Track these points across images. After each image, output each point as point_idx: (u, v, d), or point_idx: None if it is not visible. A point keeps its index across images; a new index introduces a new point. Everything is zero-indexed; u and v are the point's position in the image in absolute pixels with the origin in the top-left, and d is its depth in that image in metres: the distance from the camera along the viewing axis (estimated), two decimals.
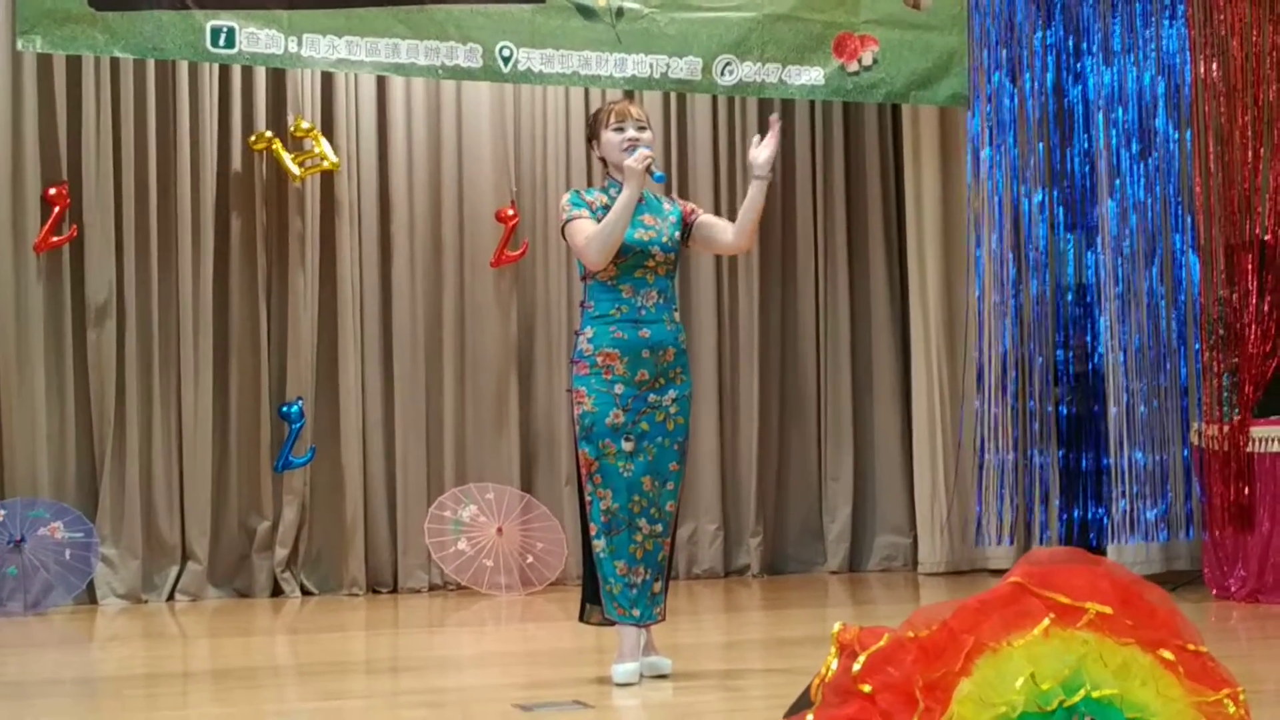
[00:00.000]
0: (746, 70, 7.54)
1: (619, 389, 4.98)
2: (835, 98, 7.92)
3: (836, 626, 2.90)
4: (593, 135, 5.23)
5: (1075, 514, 8.06)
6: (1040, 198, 7.95)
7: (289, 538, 8.03)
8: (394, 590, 8.18)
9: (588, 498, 5.04)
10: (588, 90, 8.47)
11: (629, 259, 5.03)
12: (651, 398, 5.01)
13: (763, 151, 5.14)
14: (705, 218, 5.29)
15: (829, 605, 7.77)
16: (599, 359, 4.99)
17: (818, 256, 9.03)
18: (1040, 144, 7.94)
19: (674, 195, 5.33)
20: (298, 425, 7.95)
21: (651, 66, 7.41)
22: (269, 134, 7.99)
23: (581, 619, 5.27)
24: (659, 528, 5.04)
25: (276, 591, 8.02)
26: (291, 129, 8.02)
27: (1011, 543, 8.06)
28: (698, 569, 8.66)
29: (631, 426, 4.98)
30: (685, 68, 7.44)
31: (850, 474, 8.95)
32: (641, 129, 5.14)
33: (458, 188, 8.44)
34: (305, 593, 8.06)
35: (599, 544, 5.00)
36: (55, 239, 7.67)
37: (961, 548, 8.57)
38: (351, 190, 8.23)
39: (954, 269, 8.61)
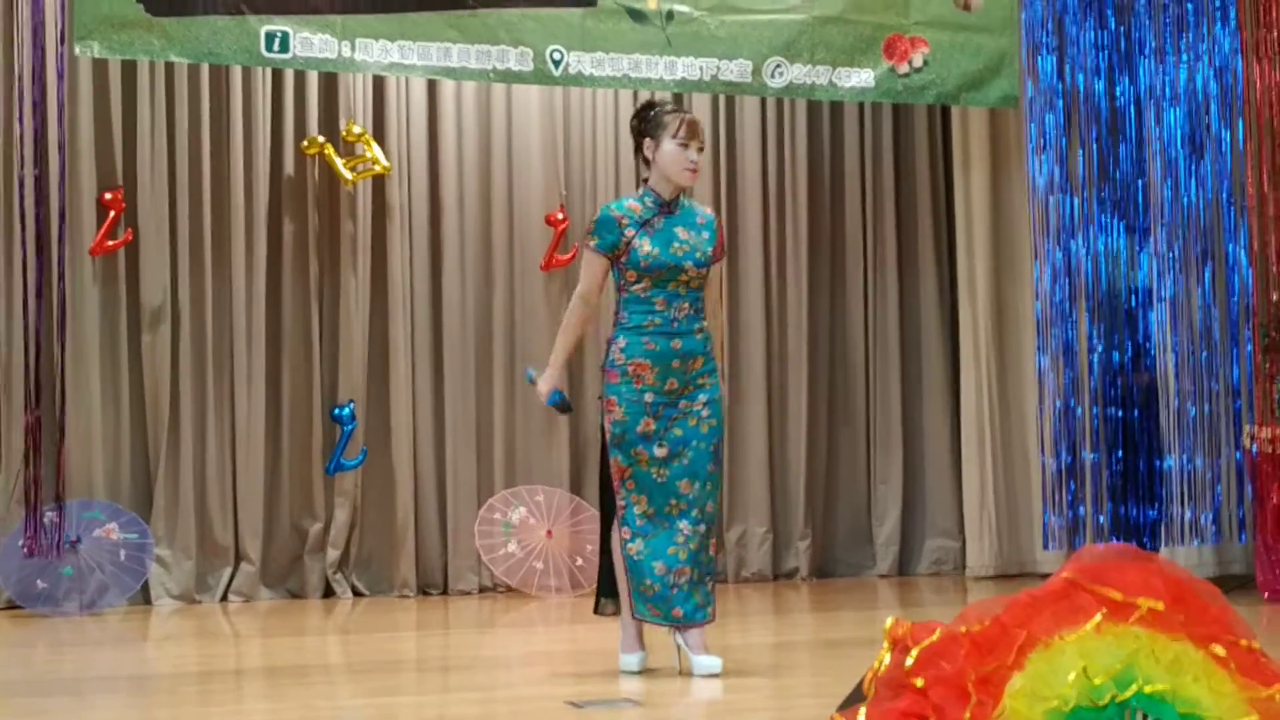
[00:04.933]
0: (796, 72, 7.55)
1: (649, 397, 5.06)
2: (885, 99, 7.93)
3: (889, 621, 2.91)
4: (647, 133, 5.15)
5: (1129, 515, 8.02)
6: (1092, 199, 7.92)
7: (341, 539, 8.08)
8: (444, 592, 8.22)
9: (621, 502, 5.11)
10: (636, 93, 8.49)
11: (664, 274, 5.09)
12: (682, 404, 5.09)
13: None
14: (715, 270, 5.27)
15: (878, 608, 7.76)
16: (630, 368, 5.07)
17: (866, 259, 9.02)
18: (1093, 145, 7.92)
19: (710, 209, 5.37)
20: (349, 427, 8.01)
21: (701, 69, 7.43)
22: (321, 139, 8.05)
23: (596, 610, 5.44)
24: (702, 528, 5.10)
25: (328, 593, 8.07)
26: (343, 133, 8.08)
27: (1068, 547, 8.02)
28: (746, 572, 8.66)
29: (665, 433, 5.07)
30: (735, 70, 7.47)
31: (899, 477, 8.94)
32: (701, 150, 5.17)
33: (508, 191, 8.49)
34: (356, 594, 8.10)
35: (635, 546, 5.06)
36: (111, 243, 7.75)
37: (1011, 551, 8.55)
38: (402, 194, 8.28)
39: (1004, 271, 8.59)
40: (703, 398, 5.13)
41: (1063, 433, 7.94)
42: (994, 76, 7.85)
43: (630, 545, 5.08)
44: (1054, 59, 7.96)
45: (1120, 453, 7.98)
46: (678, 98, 8.58)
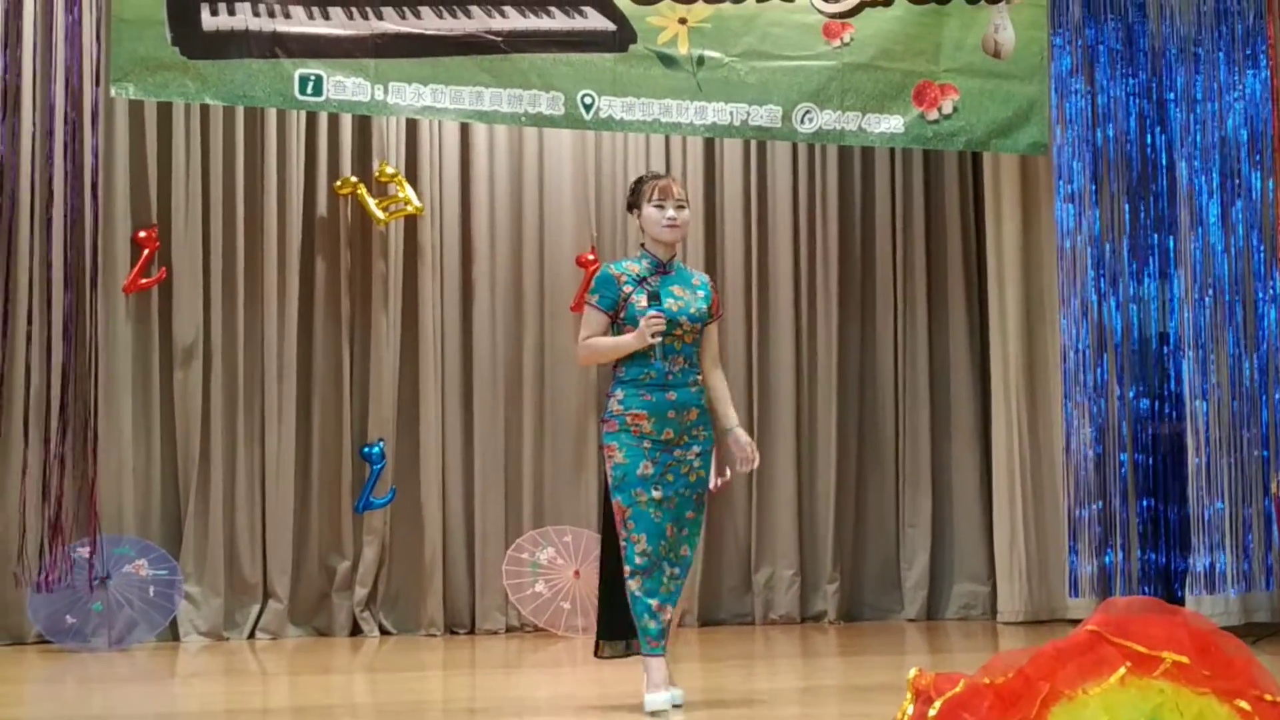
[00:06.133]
0: (826, 118, 7.57)
1: (646, 445, 5.35)
2: (915, 145, 7.94)
3: (912, 672, 2.92)
4: (633, 205, 5.58)
5: (1158, 563, 7.99)
6: (1122, 245, 7.93)
7: (369, 577, 8.11)
8: (471, 631, 8.23)
9: (622, 543, 5.37)
10: (667, 137, 8.55)
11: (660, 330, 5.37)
12: (677, 453, 5.38)
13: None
14: (712, 328, 5.59)
15: (906, 653, 7.73)
16: (628, 418, 5.37)
17: (897, 302, 9.03)
18: (1123, 191, 7.93)
19: (705, 274, 5.74)
20: (379, 466, 8.04)
21: (732, 114, 7.46)
22: (354, 179, 8.12)
23: (596, 654, 5.64)
24: (677, 570, 5.39)
25: (355, 631, 8.09)
26: (376, 174, 8.14)
27: (1098, 594, 7.98)
28: (774, 614, 8.64)
29: (659, 478, 5.35)
30: (765, 115, 7.49)
31: (928, 520, 8.92)
32: (680, 207, 5.50)
33: (539, 232, 8.54)
34: (384, 632, 8.12)
35: (633, 584, 5.32)
36: (144, 281, 7.82)
37: (1041, 596, 8.50)
38: (434, 234, 8.34)
39: (1035, 314, 8.58)
40: (696, 449, 5.42)
41: (1091, 479, 7.91)
42: (1024, 123, 7.86)
43: (630, 583, 5.33)
44: (1084, 105, 7.97)
45: (1149, 500, 7.95)
46: (708, 143, 8.66)
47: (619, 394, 5.39)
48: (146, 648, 7.55)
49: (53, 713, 5.93)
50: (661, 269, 5.49)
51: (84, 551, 7.32)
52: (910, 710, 2.88)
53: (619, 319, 5.45)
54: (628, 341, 5.37)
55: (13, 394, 7.33)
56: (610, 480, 5.39)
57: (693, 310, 5.44)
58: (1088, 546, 7.89)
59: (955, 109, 7.74)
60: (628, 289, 5.42)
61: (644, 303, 5.37)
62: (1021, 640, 7.95)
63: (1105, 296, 7.95)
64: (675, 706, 5.38)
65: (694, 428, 5.41)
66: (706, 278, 5.67)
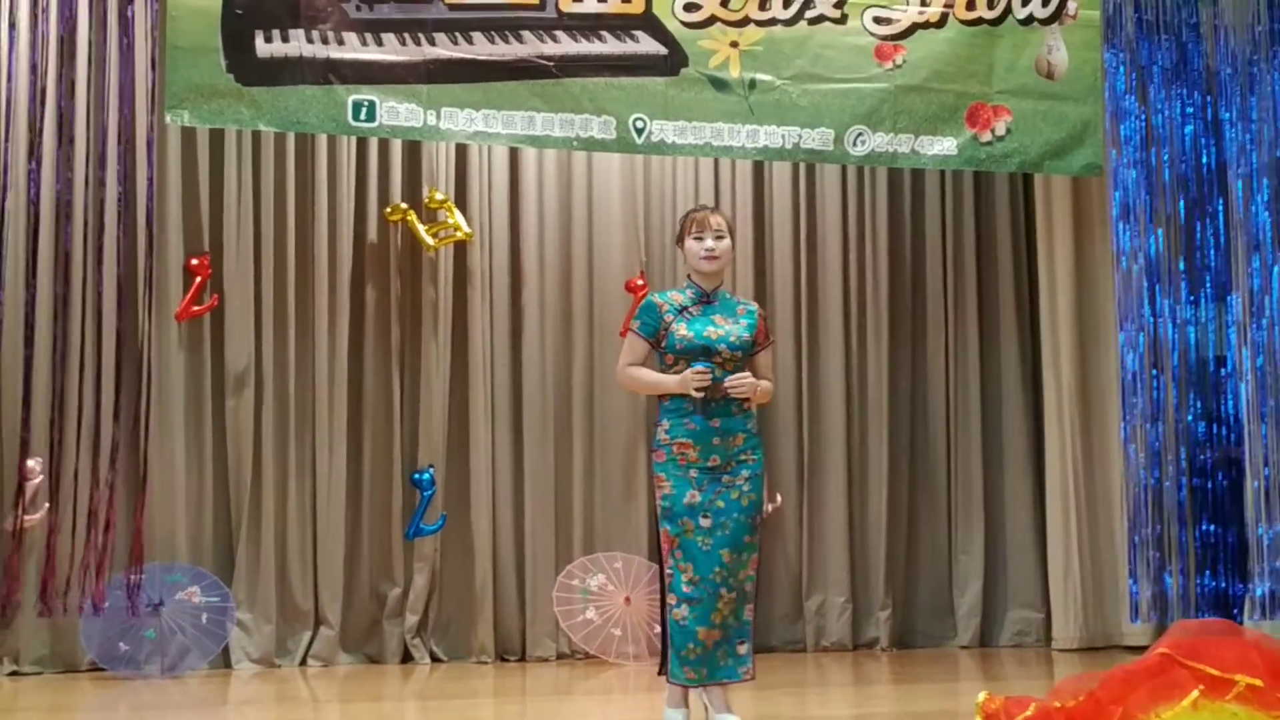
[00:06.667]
0: (878, 141, 7.54)
1: (693, 473, 5.38)
2: (968, 167, 7.90)
3: (981, 696, 2.88)
4: (679, 238, 5.65)
5: (1216, 588, 7.89)
6: (1177, 267, 7.85)
7: (419, 604, 8.09)
8: (522, 658, 8.20)
9: (669, 571, 5.41)
10: (717, 161, 8.53)
11: (699, 356, 5.41)
12: (725, 478, 5.39)
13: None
14: (761, 357, 5.58)
15: (960, 679, 7.65)
16: (675, 447, 5.40)
17: (948, 326, 8.98)
18: (1179, 212, 7.86)
19: (754, 303, 5.74)
20: (429, 493, 8.03)
21: (783, 137, 7.43)
22: (404, 205, 8.13)
23: (660, 673, 5.61)
24: (736, 595, 5.37)
25: (406, 658, 8.07)
26: (426, 201, 8.16)
27: (1156, 619, 7.89)
28: (826, 641, 8.58)
29: (709, 505, 5.36)
30: (817, 138, 7.46)
31: (981, 547, 8.84)
32: (719, 238, 5.52)
33: (588, 258, 8.53)
34: (435, 659, 8.10)
35: (680, 612, 5.34)
36: (196, 308, 7.84)
37: (1097, 623, 8.41)
38: (484, 260, 8.34)
39: (1088, 339, 8.51)
40: (745, 473, 5.43)
41: (1149, 503, 7.82)
42: (1077, 145, 7.79)
43: (676, 611, 5.36)
44: (1138, 126, 7.91)
45: (1207, 524, 7.86)
46: (757, 166, 8.64)
47: (665, 423, 5.44)
48: (199, 675, 7.55)
49: None
50: (705, 299, 5.55)
51: (134, 578, 7.33)
52: None
53: (659, 347, 5.51)
54: (669, 384, 5.42)
55: (65, 419, 7.34)
56: (659, 509, 5.45)
57: (733, 339, 5.46)
58: (1146, 571, 7.80)
59: (1009, 130, 7.68)
60: (669, 318, 5.48)
61: (683, 331, 5.43)
62: (1077, 667, 7.85)
63: (1162, 318, 7.87)
64: None
65: (741, 453, 5.43)
66: (755, 306, 5.70)
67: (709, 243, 5.49)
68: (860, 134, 7.50)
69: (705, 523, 5.33)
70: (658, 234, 8.61)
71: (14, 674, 7.48)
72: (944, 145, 7.63)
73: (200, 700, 6.99)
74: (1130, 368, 7.90)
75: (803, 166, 8.72)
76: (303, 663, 7.93)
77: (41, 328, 7.34)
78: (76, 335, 7.43)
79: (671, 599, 5.38)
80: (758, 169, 8.75)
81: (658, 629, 7.96)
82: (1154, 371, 7.87)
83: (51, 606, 7.13)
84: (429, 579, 8.13)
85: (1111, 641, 8.39)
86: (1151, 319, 7.87)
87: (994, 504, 8.94)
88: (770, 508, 7.65)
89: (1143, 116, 7.91)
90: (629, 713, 6.75)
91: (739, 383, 5.33)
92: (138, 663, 7.44)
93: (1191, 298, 7.93)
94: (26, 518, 7.12)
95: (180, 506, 7.80)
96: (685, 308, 5.50)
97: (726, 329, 5.47)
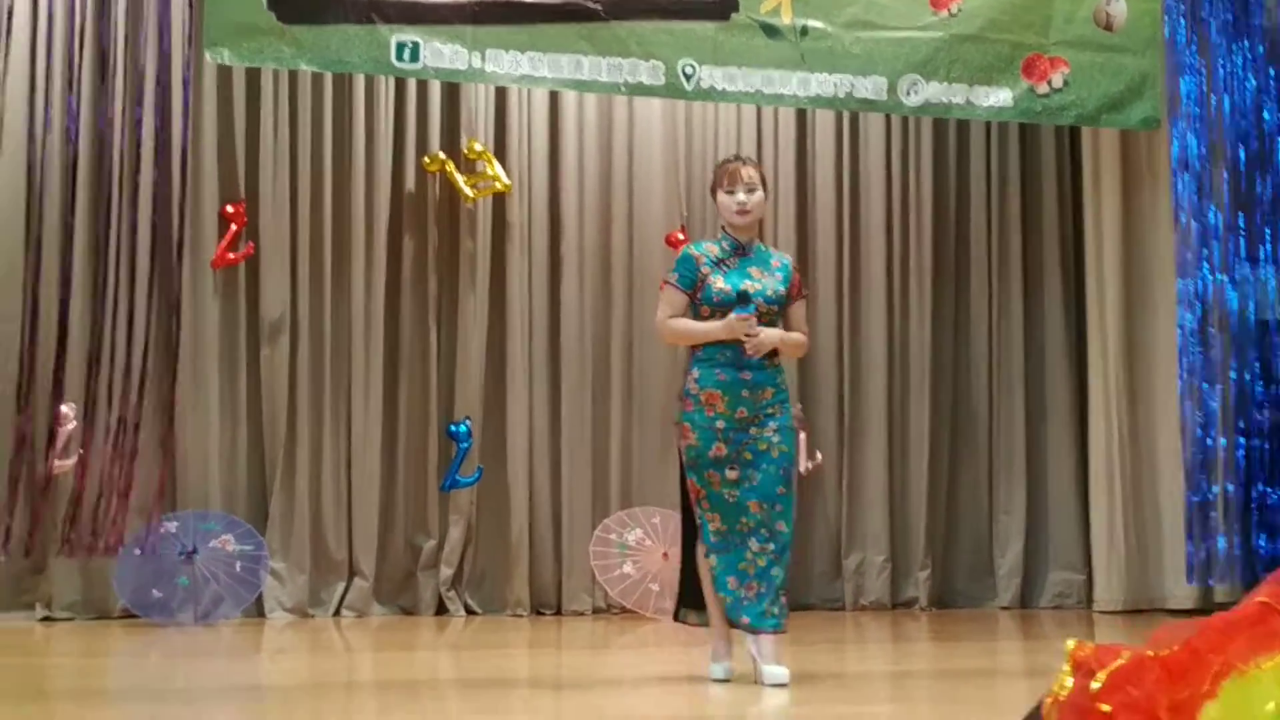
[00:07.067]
0: (932, 90, 7.38)
1: (720, 425, 5.35)
2: (1024, 119, 7.74)
3: (1071, 643, 2.77)
4: (713, 190, 5.62)
5: (1271, 550, 7.75)
6: (1235, 225, 7.70)
7: (454, 557, 8.01)
8: (558, 612, 8.13)
9: (697, 521, 5.42)
10: (760, 110, 8.39)
11: (734, 307, 5.36)
12: (753, 430, 5.37)
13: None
14: (795, 309, 5.57)
15: (999, 639, 7.56)
16: (703, 396, 5.37)
17: (991, 283, 8.86)
18: (1238, 169, 7.70)
19: (788, 255, 5.76)
20: (465, 445, 7.94)
21: (835, 86, 7.27)
22: (442, 156, 8.03)
23: (676, 618, 5.75)
24: (770, 546, 5.35)
25: (441, 610, 8.01)
26: (465, 151, 8.05)
27: (1210, 582, 7.75)
28: (864, 600, 8.49)
29: (736, 457, 5.35)
30: (870, 87, 7.30)
31: (1023, 508, 8.73)
32: (751, 190, 5.48)
33: (628, 210, 8.42)
34: (469, 612, 8.03)
35: (711, 560, 5.36)
36: (231, 256, 7.75)
37: (1140, 585, 8.29)
38: (522, 212, 8.23)
39: (1135, 298, 8.36)
40: (773, 425, 5.40)
41: (1202, 464, 7.69)
42: (1135, 98, 7.63)
43: (708, 560, 5.39)
44: (1198, 79, 7.75)
45: (1263, 485, 7.72)
46: (800, 116, 8.51)
47: (695, 372, 5.42)
48: (232, 623, 7.49)
49: (138, 684, 5.86)
50: (740, 251, 5.52)
51: (170, 526, 7.27)
52: (1069, 683, 2.72)
53: (696, 299, 5.46)
54: (715, 331, 5.37)
55: (99, 365, 7.26)
56: (683, 459, 5.43)
57: (769, 292, 5.43)
58: (1201, 532, 7.67)
59: (1066, 83, 7.52)
60: (705, 270, 5.45)
61: (719, 284, 5.40)
62: (1119, 630, 7.74)
63: (1220, 276, 7.72)
64: (778, 685, 5.27)
65: (769, 406, 5.40)
66: (789, 259, 5.68)
67: (740, 196, 5.46)
68: (914, 83, 7.34)
69: (732, 475, 5.33)
70: (700, 184, 8.47)
71: (46, 619, 7.44)
72: (999, 96, 7.47)
73: (233, 648, 6.92)
74: (1187, 325, 7.75)
75: (846, 116, 8.58)
76: (336, 613, 7.87)
77: (79, 272, 7.27)
78: (112, 281, 7.34)
79: (702, 549, 5.40)
80: (801, 118, 8.61)
81: None
82: (1209, 330, 7.72)
83: (84, 548, 7.07)
84: (464, 531, 8.05)
85: (1154, 604, 8.26)
86: (1210, 276, 7.72)
87: (1036, 464, 8.83)
88: (810, 465, 7.54)
89: (1202, 70, 7.75)
90: (668, 665, 6.65)
91: (760, 342, 5.32)
92: (170, 610, 7.38)
93: (1250, 256, 7.77)
94: (58, 463, 7.08)
95: (214, 455, 7.73)
96: (721, 260, 5.47)
97: (764, 282, 5.45)
